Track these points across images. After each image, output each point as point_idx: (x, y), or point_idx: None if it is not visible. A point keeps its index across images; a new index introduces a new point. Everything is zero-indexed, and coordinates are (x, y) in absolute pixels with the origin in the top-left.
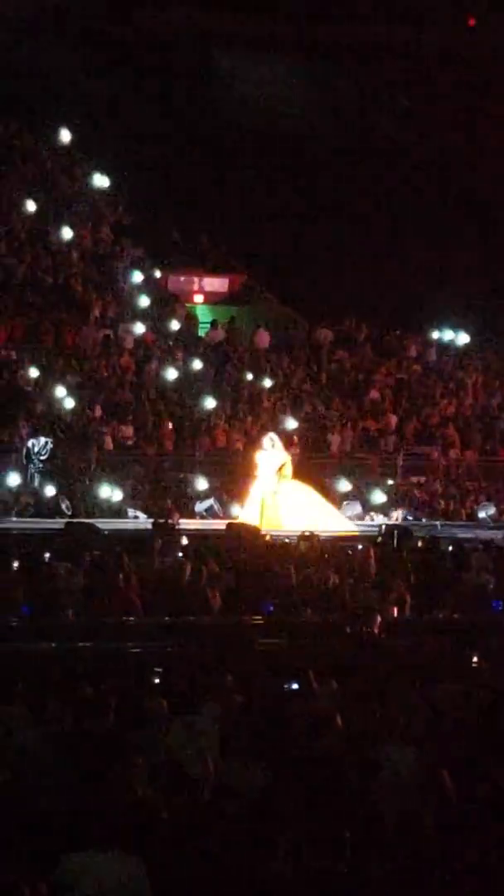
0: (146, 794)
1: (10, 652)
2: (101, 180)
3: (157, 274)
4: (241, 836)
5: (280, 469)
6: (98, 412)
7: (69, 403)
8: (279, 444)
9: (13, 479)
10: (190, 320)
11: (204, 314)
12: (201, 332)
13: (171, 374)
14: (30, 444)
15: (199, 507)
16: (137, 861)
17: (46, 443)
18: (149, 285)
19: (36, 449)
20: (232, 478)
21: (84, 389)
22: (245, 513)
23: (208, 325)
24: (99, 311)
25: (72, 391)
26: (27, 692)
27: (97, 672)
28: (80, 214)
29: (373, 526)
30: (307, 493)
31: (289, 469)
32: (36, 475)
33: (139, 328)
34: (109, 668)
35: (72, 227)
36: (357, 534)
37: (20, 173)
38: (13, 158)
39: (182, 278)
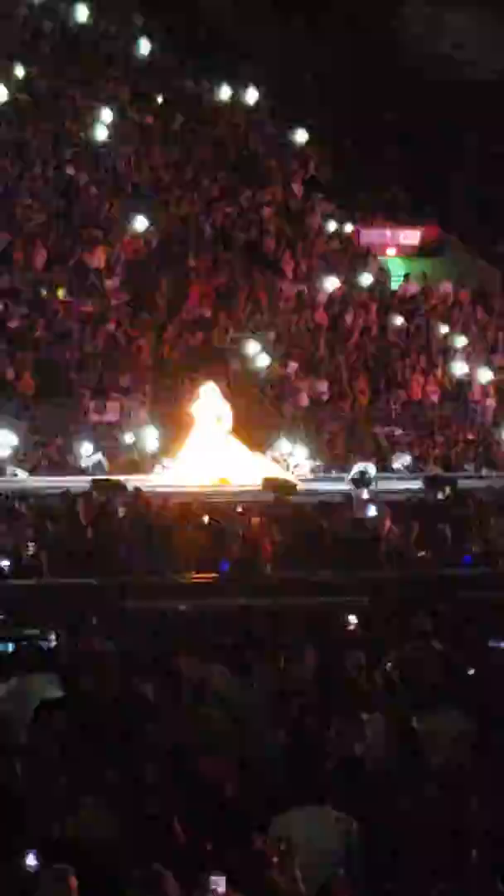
0: (358, 752)
1: (210, 608)
2: (293, 136)
3: (349, 228)
4: (445, 790)
5: (218, 421)
6: (293, 368)
7: (264, 360)
8: (218, 395)
9: None
10: (383, 274)
11: (397, 267)
12: (394, 286)
13: (365, 327)
14: None
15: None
16: (349, 818)
17: None
18: (341, 239)
19: None
20: (427, 430)
21: (278, 345)
22: (181, 464)
23: (401, 279)
24: (292, 267)
25: (266, 347)
26: (227, 649)
27: (296, 627)
28: (271, 170)
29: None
30: (243, 448)
31: (228, 421)
32: None
33: (332, 283)
34: (306, 624)
35: (263, 183)
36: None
37: (212, 132)
38: (205, 117)
39: (374, 231)
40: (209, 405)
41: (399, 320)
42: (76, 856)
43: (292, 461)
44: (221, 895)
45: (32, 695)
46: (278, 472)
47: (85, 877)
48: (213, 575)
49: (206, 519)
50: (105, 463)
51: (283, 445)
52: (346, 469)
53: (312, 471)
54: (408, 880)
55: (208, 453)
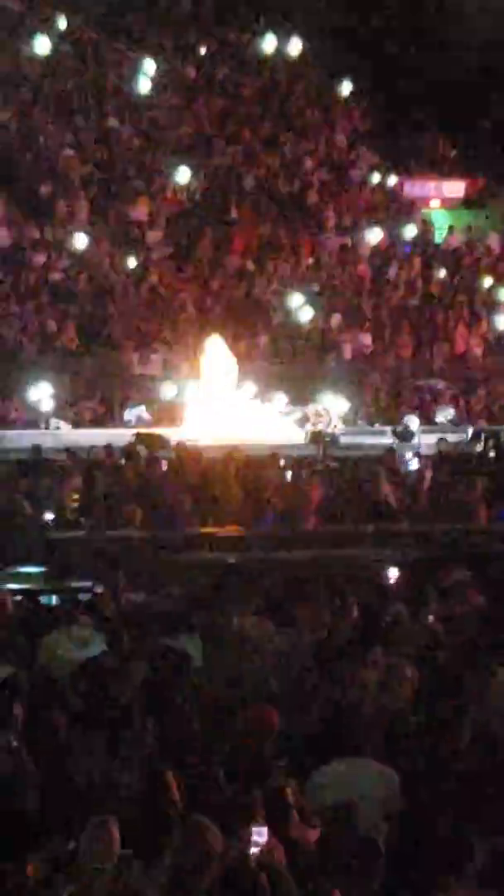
0: (401, 704)
1: (255, 561)
2: (337, 87)
3: (393, 180)
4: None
5: (225, 377)
6: (336, 321)
7: (307, 313)
8: (225, 348)
9: (248, 390)
10: (426, 226)
11: (441, 219)
12: (438, 238)
13: (408, 280)
14: None
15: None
16: (390, 771)
17: None
18: (385, 192)
19: None
20: (471, 383)
21: (322, 298)
22: (189, 421)
23: (445, 231)
24: (335, 219)
25: (309, 300)
26: (269, 601)
27: (339, 580)
28: (315, 122)
29: None
30: (251, 403)
31: (233, 377)
32: None
33: (376, 235)
34: (351, 576)
35: (307, 135)
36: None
37: (255, 83)
38: (248, 69)
39: (418, 183)
40: (215, 359)
41: (443, 273)
42: (117, 806)
43: (333, 415)
44: (262, 846)
45: (74, 648)
46: (287, 425)
47: (126, 827)
48: (237, 527)
49: (247, 472)
50: (148, 416)
51: (325, 399)
52: (390, 422)
53: (355, 424)
54: (443, 839)
55: (215, 406)
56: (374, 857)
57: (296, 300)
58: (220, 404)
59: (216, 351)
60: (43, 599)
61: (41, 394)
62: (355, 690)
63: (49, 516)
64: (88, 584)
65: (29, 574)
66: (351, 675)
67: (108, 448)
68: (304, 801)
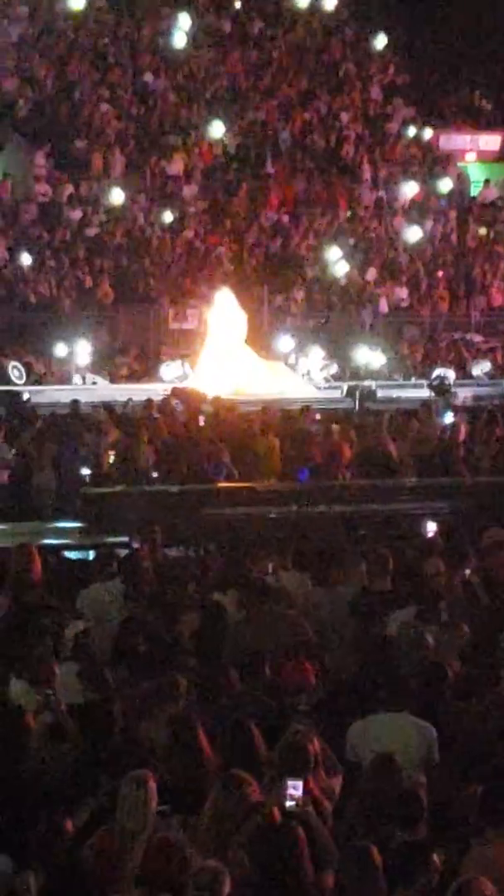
0: (433, 658)
1: (288, 515)
2: (372, 40)
3: (429, 133)
4: None
5: (233, 330)
6: (372, 274)
7: (343, 267)
8: (234, 302)
9: (285, 344)
10: (462, 179)
11: (476, 172)
12: (474, 191)
13: (444, 233)
14: None
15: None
16: (427, 725)
17: None
18: (420, 145)
19: None
20: None
21: (357, 252)
22: (198, 375)
23: (481, 184)
24: (370, 173)
25: (346, 254)
26: (306, 556)
27: (374, 534)
28: (350, 76)
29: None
30: (257, 357)
31: (243, 330)
32: None
33: (411, 189)
34: (385, 530)
35: (342, 88)
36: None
37: (290, 37)
38: (283, 23)
39: (454, 136)
40: (224, 313)
41: (479, 226)
42: (157, 760)
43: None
44: (298, 799)
45: (110, 605)
46: (293, 381)
47: (165, 780)
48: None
49: (281, 427)
50: (188, 371)
51: (360, 352)
52: (426, 376)
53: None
54: (479, 791)
55: (224, 362)
56: (416, 808)
57: (332, 254)
58: (227, 357)
59: (225, 304)
60: (80, 555)
61: (77, 349)
62: (395, 644)
63: (86, 471)
64: (125, 539)
65: (66, 529)
66: (388, 630)
67: (148, 402)
68: (334, 752)
